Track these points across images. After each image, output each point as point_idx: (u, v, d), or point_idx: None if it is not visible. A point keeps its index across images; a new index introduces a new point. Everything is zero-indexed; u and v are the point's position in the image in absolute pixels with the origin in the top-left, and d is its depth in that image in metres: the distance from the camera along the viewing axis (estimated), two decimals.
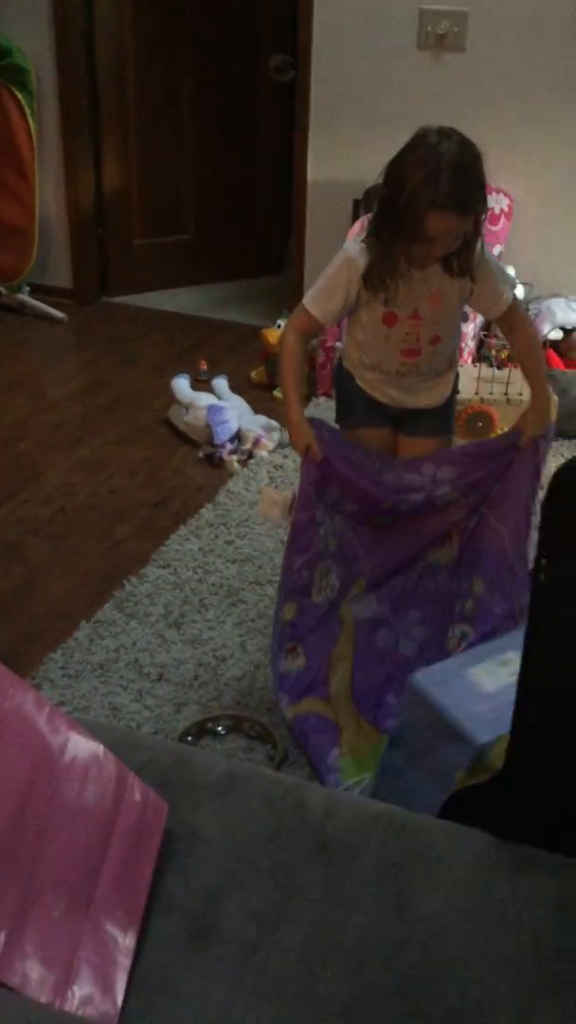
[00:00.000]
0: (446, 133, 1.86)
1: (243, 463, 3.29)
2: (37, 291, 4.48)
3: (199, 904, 1.22)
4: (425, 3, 3.62)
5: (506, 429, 3.05)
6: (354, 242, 2.00)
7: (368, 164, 3.80)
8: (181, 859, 1.27)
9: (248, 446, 3.34)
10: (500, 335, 3.22)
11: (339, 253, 2.01)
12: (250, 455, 3.33)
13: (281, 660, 2.20)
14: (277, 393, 3.65)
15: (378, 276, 1.94)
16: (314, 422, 2.11)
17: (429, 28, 3.65)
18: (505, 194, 3.66)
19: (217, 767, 1.42)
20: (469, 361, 3.51)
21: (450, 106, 3.70)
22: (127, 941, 1.14)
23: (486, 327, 3.57)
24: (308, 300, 2.05)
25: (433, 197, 1.79)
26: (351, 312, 2.06)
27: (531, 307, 3.57)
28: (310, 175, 4.03)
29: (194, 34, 4.38)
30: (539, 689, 1.22)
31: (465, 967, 1.15)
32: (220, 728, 2.20)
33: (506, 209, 3.66)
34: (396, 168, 1.85)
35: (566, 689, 1.20)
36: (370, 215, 1.97)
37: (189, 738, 2.16)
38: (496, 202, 3.62)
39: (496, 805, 1.37)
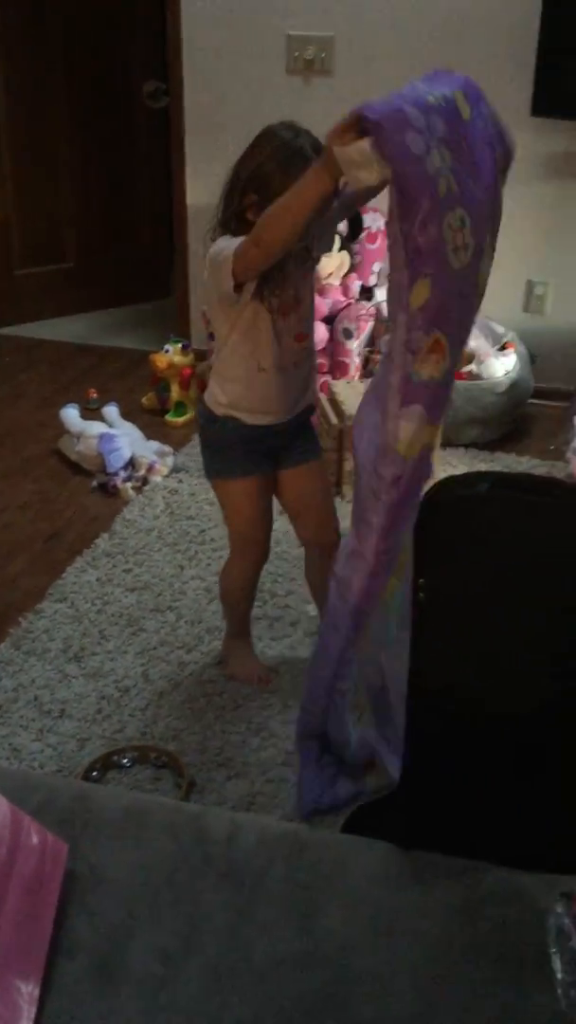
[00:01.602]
0: (291, 128, 1.93)
1: (138, 490, 3.27)
2: None
3: (105, 944, 1.20)
4: (292, 29, 3.69)
5: None
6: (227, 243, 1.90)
7: None
8: (85, 899, 1.25)
9: (142, 472, 3.32)
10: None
11: (213, 250, 1.90)
12: (145, 481, 3.31)
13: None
14: (169, 417, 3.65)
15: (271, 275, 1.91)
16: None
17: (297, 53, 3.72)
18: (381, 213, 3.74)
19: (118, 802, 1.41)
20: (357, 377, 3.57)
21: (322, 128, 3.77)
22: (30, 989, 1.12)
23: (370, 343, 3.63)
24: (232, 247, 1.84)
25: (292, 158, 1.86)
26: (233, 332, 1.99)
27: None
28: (190, 199, 4.05)
29: (66, 61, 4.37)
30: (427, 702, 1.25)
31: (373, 980, 1.16)
32: (125, 760, 2.17)
33: (383, 228, 3.73)
34: (260, 169, 1.87)
35: (453, 700, 1.23)
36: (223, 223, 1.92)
37: (94, 773, 2.13)
38: (373, 221, 3.70)
39: (396, 816, 1.39)
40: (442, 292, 1.52)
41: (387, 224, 1.62)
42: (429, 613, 1.15)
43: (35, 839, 1.22)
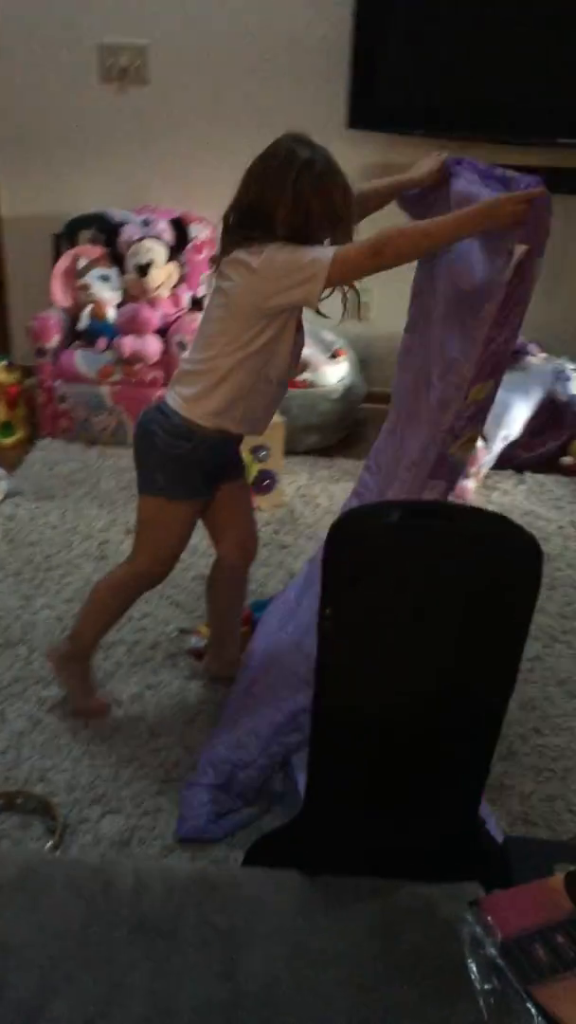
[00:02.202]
0: (301, 140, 1.93)
1: None
2: None
3: (19, 1018, 1.13)
4: (105, 37, 3.62)
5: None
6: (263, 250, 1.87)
7: (65, 198, 3.78)
8: None
9: None
10: None
11: (272, 252, 1.84)
12: None
13: None
14: (5, 440, 3.51)
15: None
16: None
17: (111, 62, 3.65)
18: (206, 222, 3.72)
19: (11, 864, 1.34)
20: None
21: (141, 138, 3.74)
22: None
23: None
24: (328, 253, 1.81)
25: (342, 176, 1.89)
26: (255, 341, 1.91)
27: None
28: (4, 211, 3.90)
29: None
30: (331, 726, 1.25)
31: (303, 1014, 1.15)
32: None
33: (209, 237, 3.72)
34: (298, 191, 1.83)
35: (355, 726, 1.24)
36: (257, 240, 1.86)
37: None
38: (198, 230, 3.69)
39: (300, 844, 1.38)
40: (495, 395, 1.77)
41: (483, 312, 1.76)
42: (334, 640, 1.15)
43: None
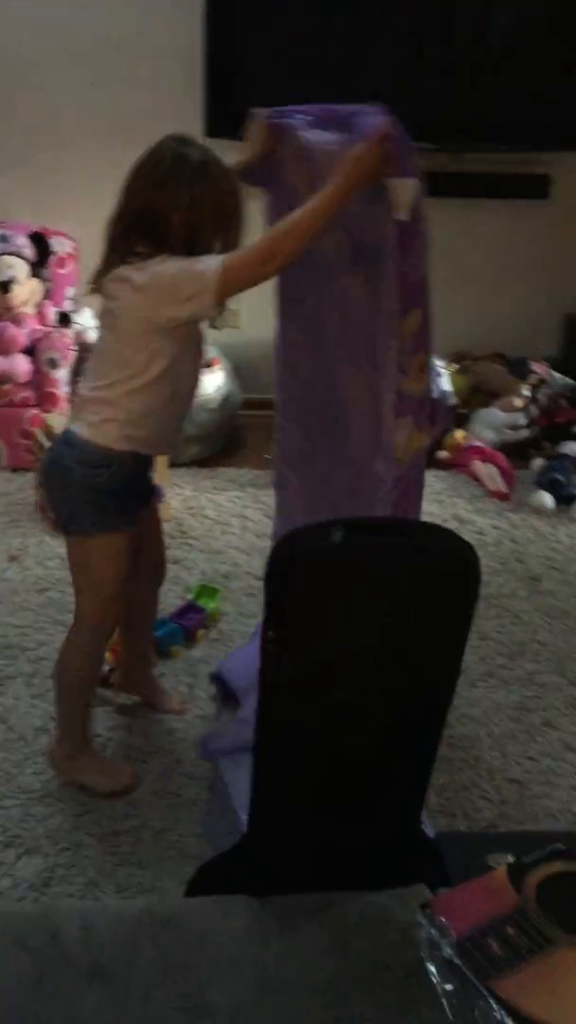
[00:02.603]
0: (186, 141, 1.91)
1: None
2: None
3: None
4: None
5: None
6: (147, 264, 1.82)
7: None
8: None
9: None
10: None
11: (159, 266, 1.79)
12: None
13: None
14: None
15: None
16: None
17: None
18: (67, 236, 3.65)
19: None
20: (63, 409, 3.47)
21: None
22: None
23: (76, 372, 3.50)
24: (216, 262, 1.76)
25: (233, 175, 1.89)
26: (157, 359, 1.85)
27: None
28: None
29: None
30: (276, 746, 1.25)
31: None
32: None
33: (72, 251, 3.65)
34: (193, 195, 1.80)
35: (301, 742, 1.23)
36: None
37: None
38: (59, 245, 3.61)
39: (244, 867, 1.37)
40: (426, 319, 1.78)
41: (365, 260, 1.84)
42: (278, 662, 1.14)
43: None
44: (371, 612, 1.09)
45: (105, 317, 1.93)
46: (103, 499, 1.93)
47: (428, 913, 1.28)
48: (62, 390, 3.46)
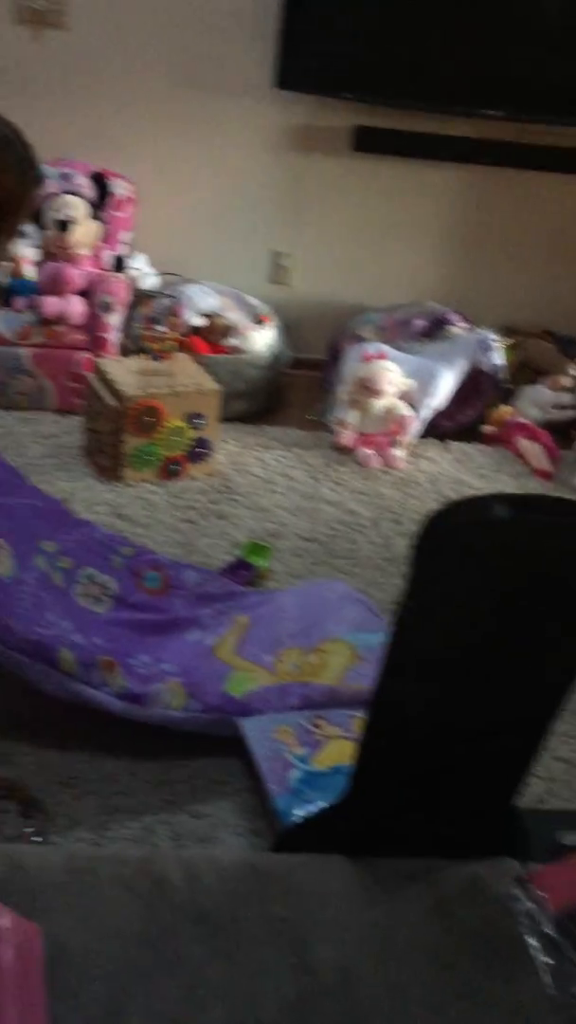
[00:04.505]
0: None
1: None
2: None
3: None
4: None
5: (176, 422, 3.07)
6: None
7: None
8: (60, 982, 1.13)
9: None
10: (155, 326, 3.19)
11: None
12: None
13: None
14: None
15: None
16: None
17: (25, 3, 3.44)
18: (127, 180, 3.59)
19: (54, 863, 1.28)
20: (115, 354, 3.43)
21: (59, 88, 3.55)
22: None
23: (150, 320, 3.46)
24: None
25: (34, 171, 1.74)
26: None
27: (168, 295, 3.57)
28: None
29: None
30: (389, 714, 1.25)
31: (383, 1005, 1.16)
32: None
33: (130, 195, 3.59)
34: None
35: (417, 715, 1.24)
36: None
37: None
38: (118, 187, 3.55)
39: (340, 827, 1.39)
40: None
41: None
42: (409, 631, 1.14)
43: (6, 924, 1.08)
44: (518, 590, 1.09)
45: None
46: None
47: (528, 887, 1.30)
48: (113, 335, 3.42)
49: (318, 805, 1.75)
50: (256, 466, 3.32)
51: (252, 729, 2.04)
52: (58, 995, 1.11)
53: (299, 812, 1.80)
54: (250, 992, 1.15)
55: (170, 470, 3.14)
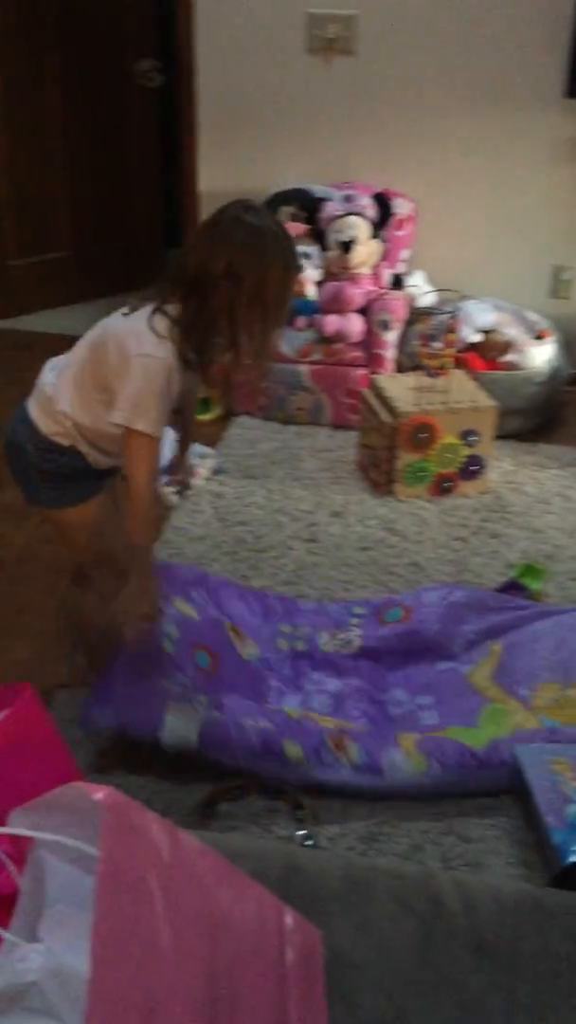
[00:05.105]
0: (248, 207, 1.83)
1: (179, 495, 3.13)
2: None
3: None
4: (312, 7, 3.54)
5: (450, 439, 3.06)
6: (152, 345, 1.81)
7: (264, 172, 3.74)
8: (338, 986, 1.15)
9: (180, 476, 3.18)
10: (432, 343, 3.20)
11: (143, 362, 1.80)
12: (184, 485, 3.17)
13: None
14: (204, 416, 3.49)
15: (203, 355, 1.86)
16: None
17: (317, 32, 3.57)
18: (408, 198, 3.63)
19: (332, 869, 1.31)
20: (391, 371, 3.47)
21: (345, 111, 3.66)
22: None
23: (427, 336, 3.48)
24: (149, 426, 1.82)
25: (295, 264, 1.86)
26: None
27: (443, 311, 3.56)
28: (203, 184, 3.88)
29: (58, 44, 4.14)
30: None
31: None
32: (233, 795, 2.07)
33: (411, 213, 3.63)
34: (234, 261, 1.75)
35: None
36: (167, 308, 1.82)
37: (206, 809, 2.02)
38: (400, 206, 3.60)
39: None
40: None
41: None
42: None
43: (290, 921, 1.12)
44: None
45: (99, 334, 1.92)
46: (64, 481, 2.00)
47: None
48: (390, 352, 3.46)
49: None
50: (530, 485, 3.24)
51: (528, 757, 1.98)
52: (336, 1000, 1.14)
53: None
54: None
55: (442, 487, 3.13)
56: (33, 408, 1.99)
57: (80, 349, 1.96)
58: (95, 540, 2.12)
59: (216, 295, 1.78)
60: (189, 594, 2.33)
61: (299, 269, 1.87)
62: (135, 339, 1.82)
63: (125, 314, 1.89)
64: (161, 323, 1.81)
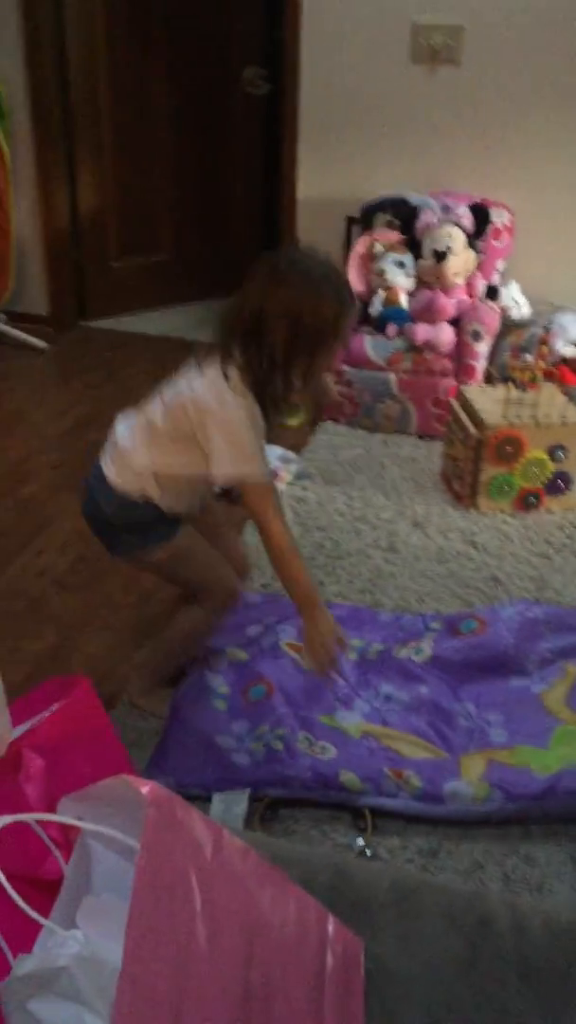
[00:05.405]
0: (304, 253, 1.90)
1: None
2: (12, 319, 4.29)
3: None
4: (418, 17, 3.54)
5: (536, 454, 3.01)
6: (227, 394, 1.86)
7: (362, 180, 3.75)
8: (376, 998, 1.15)
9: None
10: (523, 355, 3.15)
11: (228, 411, 1.86)
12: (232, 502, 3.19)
13: None
14: (291, 421, 3.52)
15: (282, 403, 1.94)
16: None
17: (423, 42, 3.56)
18: (507, 209, 3.59)
19: (381, 879, 1.31)
20: (480, 382, 3.44)
21: (446, 121, 3.64)
22: None
23: (496, 348, 3.45)
24: (259, 473, 1.91)
25: (349, 309, 1.89)
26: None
27: (536, 324, 3.51)
28: (301, 191, 3.91)
29: (165, 50, 4.23)
30: None
31: None
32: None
33: (508, 224, 3.59)
34: (293, 306, 1.81)
35: None
36: (232, 356, 1.87)
37: (268, 812, 2.04)
38: (498, 216, 3.56)
39: None
40: None
41: None
42: None
43: (332, 930, 1.12)
44: None
45: (175, 392, 1.95)
46: (146, 528, 2.04)
47: None
48: (481, 363, 3.43)
49: None
50: None
51: None
52: (375, 1012, 1.13)
53: None
54: None
55: (527, 502, 3.09)
56: (106, 461, 2.04)
57: (155, 410, 2.00)
58: (201, 570, 2.16)
59: (272, 335, 1.83)
60: (245, 631, 2.42)
61: (353, 307, 1.93)
62: (216, 400, 1.87)
63: (194, 368, 1.95)
64: (233, 373, 1.87)
